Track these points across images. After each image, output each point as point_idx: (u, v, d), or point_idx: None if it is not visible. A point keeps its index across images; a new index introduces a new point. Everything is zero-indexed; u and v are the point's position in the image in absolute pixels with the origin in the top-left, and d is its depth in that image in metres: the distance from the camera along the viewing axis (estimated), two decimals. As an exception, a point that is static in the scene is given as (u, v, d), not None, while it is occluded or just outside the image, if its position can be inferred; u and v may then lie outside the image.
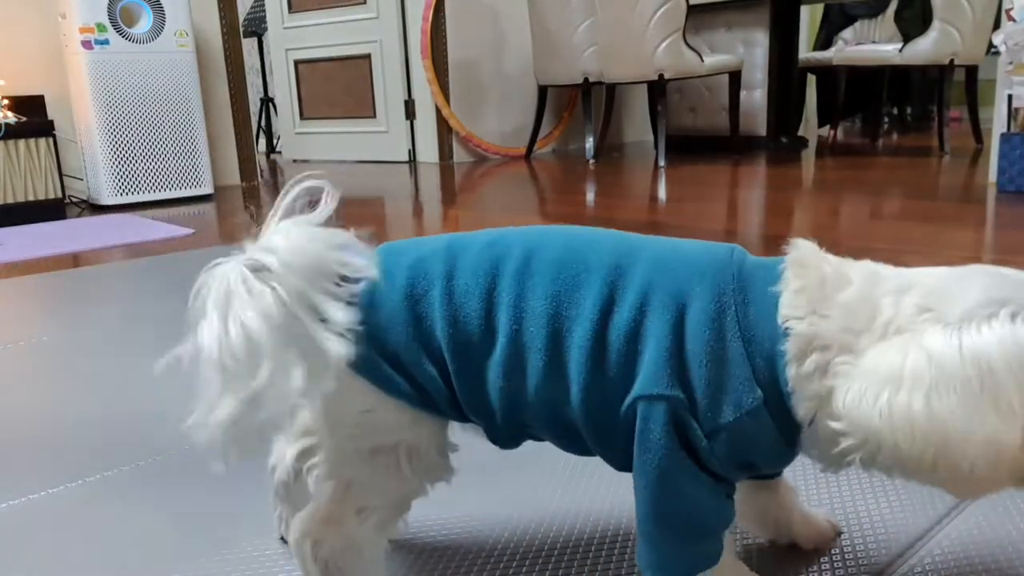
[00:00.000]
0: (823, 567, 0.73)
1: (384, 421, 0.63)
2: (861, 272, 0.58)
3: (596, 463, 0.67)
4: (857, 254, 0.63)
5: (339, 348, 0.55)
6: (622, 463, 0.63)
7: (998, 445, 0.49)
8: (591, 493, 0.88)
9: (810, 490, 0.86)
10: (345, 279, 0.58)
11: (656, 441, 0.57)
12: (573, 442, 0.65)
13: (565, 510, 0.85)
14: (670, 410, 0.57)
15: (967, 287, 0.53)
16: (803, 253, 0.60)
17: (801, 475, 0.90)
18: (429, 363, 0.62)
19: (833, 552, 0.75)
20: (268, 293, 0.54)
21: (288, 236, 0.57)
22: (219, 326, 0.54)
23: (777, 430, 0.58)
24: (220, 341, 0.54)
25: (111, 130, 3.35)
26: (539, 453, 0.75)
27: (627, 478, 0.62)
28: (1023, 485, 0.53)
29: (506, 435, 0.66)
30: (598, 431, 0.61)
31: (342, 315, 0.55)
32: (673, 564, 0.62)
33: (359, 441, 0.64)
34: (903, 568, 0.72)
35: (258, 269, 0.55)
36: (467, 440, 0.69)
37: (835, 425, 0.54)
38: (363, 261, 0.59)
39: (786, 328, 0.56)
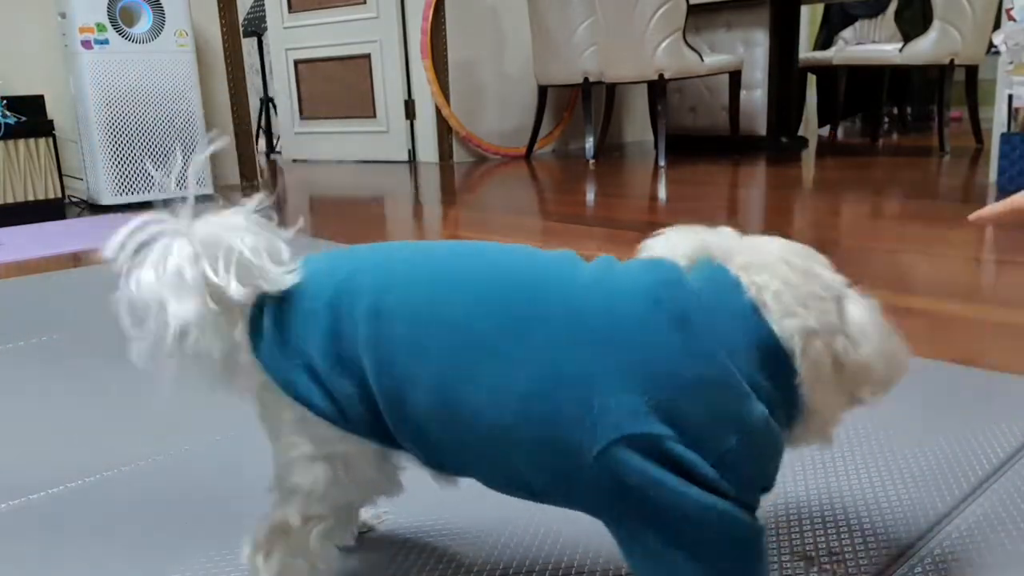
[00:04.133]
0: (823, 567, 0.73)
1: (314, 433, 0.62)
2: (781, 249, 0.62)
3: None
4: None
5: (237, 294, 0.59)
6: (588, 507, 0.60)
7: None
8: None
9: (811, 492, 0.86)
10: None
11: (652, 481, 0.54)
12: (515, 485, 0.62)
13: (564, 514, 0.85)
14: (662, 448, 0.54)
15: None
16: (723, 242, 0.62)
17: (801, 477, 0.90)
18: (347, 380, 0.60)
19: (833, 552, 0.75)
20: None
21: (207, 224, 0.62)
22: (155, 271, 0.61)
23: (780, 436, 0.58)
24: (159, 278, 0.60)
25: (111, 130, 3.35)
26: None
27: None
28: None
29: (445, 465, 0.64)
30: (560, 477, 0.57)
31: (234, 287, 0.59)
32: None
33: (297, 449, 0.63)
34: (903, 568, 0.72)
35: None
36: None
37: (871, 370, 0.60)
38: (276, 267, 0.62)
39: (783, 327, 0.57)
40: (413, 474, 0.69)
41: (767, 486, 0.59)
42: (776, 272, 0.59)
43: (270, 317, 0.62)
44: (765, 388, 0.56)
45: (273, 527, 0.65)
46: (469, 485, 0.65)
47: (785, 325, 0.57)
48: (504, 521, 0.83)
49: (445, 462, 0.63)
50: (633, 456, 0.54)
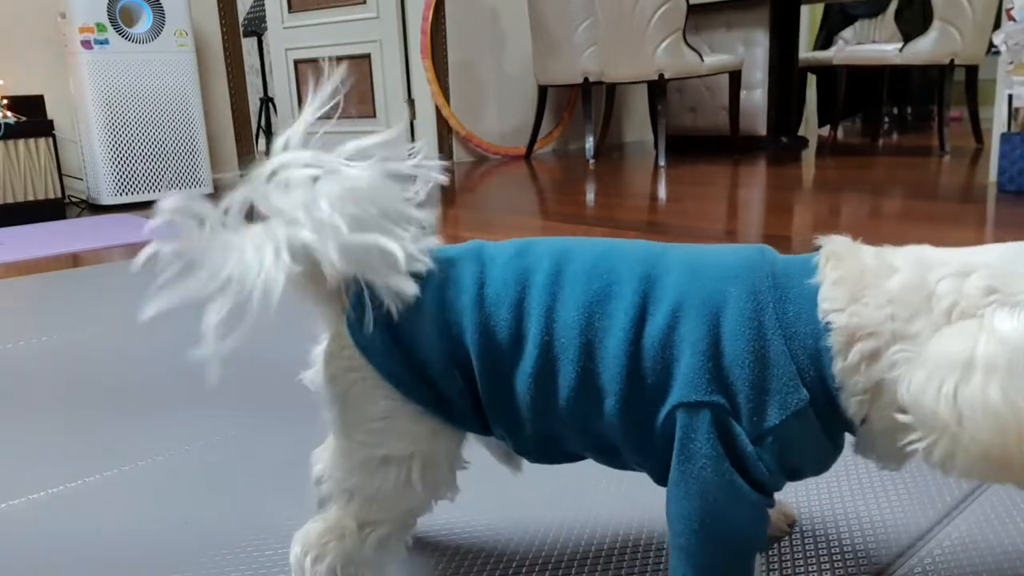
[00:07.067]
0: (823, 567, 0.73)
1: (401, 430, 0.62)
2: (907, 259, 0.56)
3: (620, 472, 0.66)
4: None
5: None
6: (659, 474, 0.61)
7: None
8: (601, 499, 0.88)
9: (810, 491, 0.86)
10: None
11: (699, 450, 0.55)
12: (608, 455, 0.63)
13: (574, 516, 0.85)
14: (713, 417, 0.55)
15: None
16: (837, 246, 0.59)
17: (801, 475, 0.90)
18: (456, 370, 0.61)
19: (833, 552, 0.75)
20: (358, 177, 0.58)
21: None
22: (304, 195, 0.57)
23: (822, 431, 0.56)
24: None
25: (111, 130, 3.35)
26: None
27: (653, 486, 0.62)
28: None
29: (536, 448, 0.64)
30: (636, 442, 0.60)
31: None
32: None
33: (371, 449, 0.62)
34: (903, 568, 0.72)
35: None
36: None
37: (902, 418, 0.51)
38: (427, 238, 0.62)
39: (827, 323, 0.55)
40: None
41: (797, 472, 0.59)
42: (849, 264, 0.56)
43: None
44: (811, 377, 0.55)
45: (327, 528, 0.64)
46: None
47: (830, 317, 0.55)
48: (517, 521, 0.83)
49: (536, 437, 0.63)
50: (692, 421, 0.55)
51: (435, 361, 0.60)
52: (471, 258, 0.64)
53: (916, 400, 0.50)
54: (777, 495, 0.83)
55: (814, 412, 0.55)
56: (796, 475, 0.60)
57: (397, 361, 0.60)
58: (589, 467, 0.85)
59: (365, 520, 0.63)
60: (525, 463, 0.70)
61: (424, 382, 0.61)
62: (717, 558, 0.58)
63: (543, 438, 0.63)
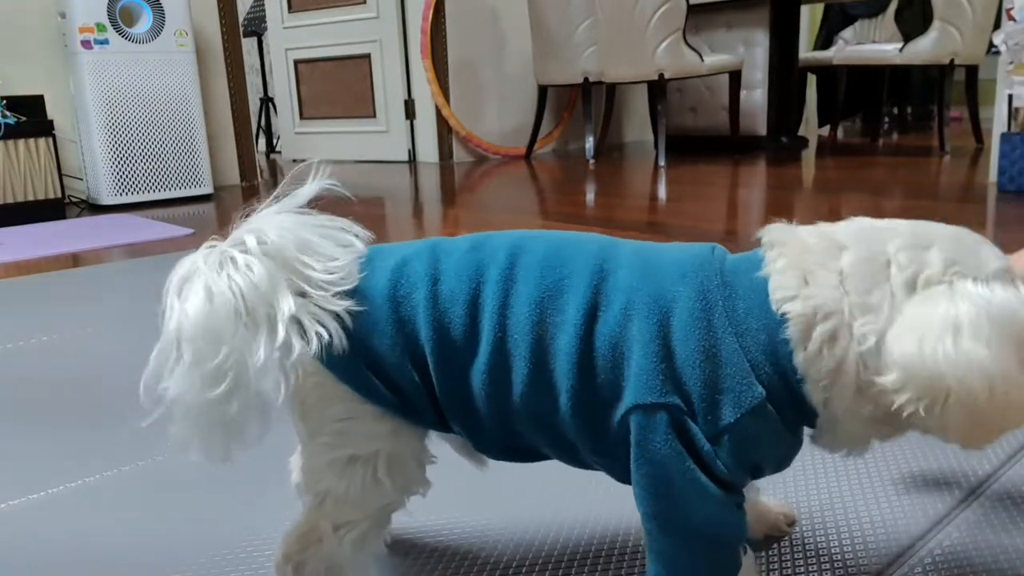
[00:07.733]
0: (823, 567, 0.73)
1: (363, 430, 0.62)
2: (850, 233, 0.58)
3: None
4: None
5: (302, 342, 0.57)
6: (621, 474, 0.60)
7: None
8: (600, 499, 0.88)
9: (810, 491, 0.86)
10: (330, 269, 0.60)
11: (658, 451, 0.55)
12: (567, 453, 0.63)
13: (574, 516, 0.85)
14: (670, 418, 0.55)
15: (979, 247, 0.55)
16: (775, 233, 0.59)
17: (802, 478, 0.90)
18: (412, 367, 0.60)
19: (833, 552, 0.75)
20: (245, 271, 0.57)
21: (269, 219, 0.60)
22: (179, 303, 0.57)
23: (783, 424, 0.56)
24: (179, 317, 0.57)
25: (111, 130, 3.35)
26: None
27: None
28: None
29: (495, 445, 0.64)
30: (591, 441, 0.59)
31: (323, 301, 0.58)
32: None
33: (336, 451, 0.62)
34: (903, 568, 0.72)
35: (239, 249, 0.58)
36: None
37: (885, 379, 0.52)
38: (344, 253, 0.61)
39: (783, 313, 0.55)
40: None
41: (758, 469, 0.59)
42: (792, 248, 0.57)
43: None
44: (767, 372, 0.55)
45: (303, 534, 0.64)
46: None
47: (785, 307, 0.55)
48: (514, 520, 0.83)
49: (495, 434, 0.62)
50: (649, 423, 0.55)
51: (390, 358, 0.60)
52: (425, 254, 0.63)
53: (912, 363, 0.51)
54: (777, 495, 0.84)
55: (774, 408, 0.55)
56: (758, 471, 0.60)
57: (351, 361, 0.60)
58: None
59: (339, 521, 0.63)
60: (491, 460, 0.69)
61: (381, 381, 0.60)
62: (689, 556, 0.58)
63: (501, 435, 0.62)
